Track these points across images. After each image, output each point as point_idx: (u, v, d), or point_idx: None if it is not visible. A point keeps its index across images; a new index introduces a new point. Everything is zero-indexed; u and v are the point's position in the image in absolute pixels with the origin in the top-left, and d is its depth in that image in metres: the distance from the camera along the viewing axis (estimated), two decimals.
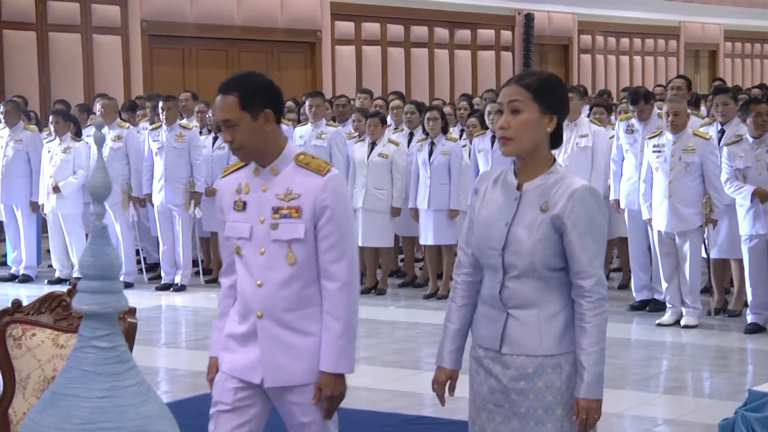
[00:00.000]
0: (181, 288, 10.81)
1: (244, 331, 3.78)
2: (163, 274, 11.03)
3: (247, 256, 3.78)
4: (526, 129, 3.39)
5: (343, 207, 3.73)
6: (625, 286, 10.12)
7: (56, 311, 3.85)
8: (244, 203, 3.79)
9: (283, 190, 3.72)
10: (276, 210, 3.72)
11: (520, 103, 3.39)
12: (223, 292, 3.95)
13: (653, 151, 8.70)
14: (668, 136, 8.61)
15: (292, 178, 3.73)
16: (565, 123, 10.10)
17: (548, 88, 3.43)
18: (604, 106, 10.96)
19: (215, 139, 11.09)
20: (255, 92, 3.71)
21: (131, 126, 11.45)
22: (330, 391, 3.70)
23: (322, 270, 3.71)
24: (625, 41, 25.28)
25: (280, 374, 3.72)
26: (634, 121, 9.39)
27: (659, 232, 8.74)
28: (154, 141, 10.86)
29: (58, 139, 11.00)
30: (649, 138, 8.83)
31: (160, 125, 10.84)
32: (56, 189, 10.74)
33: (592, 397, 3.37)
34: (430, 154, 10.12)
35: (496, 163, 9.58)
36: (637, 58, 25.69)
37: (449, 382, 3.65)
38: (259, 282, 3.73)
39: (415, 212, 10.25)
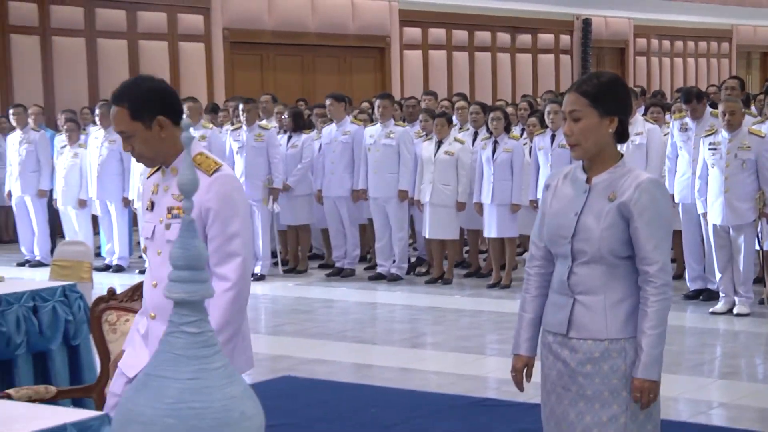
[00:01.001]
0: (260, 278, 10.87)
1: (143, 332, 3.60)
2: None
3: (149, 256, 3.64)
4: (587, 134, 3.39)
5: (230, 207, 3.47)
6: (679, 276, 9.98)
7: None
8: (152, 203, 3.62)
9: (178, 190, 3.59)
10: (169, 210, 3.53)
11: (579, 112, 3.39)
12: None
13: (709, 149, 8.60)
14: (724, 134, 8.50)
15: None
16: None
17: (606, 92, 3.41)
18: (659, 106, 10.86)
19: (289, 138, 11.15)
20: (143, 101, 3.48)
21: (214, 127, 11.55)
22: None
23: (212, 273, 3.42)
24: (679, 44, 24.99)
25: None
26: (687, 119, 9.28)
27: (714, 225, 8.65)
28: (235, 141, 10.95)
29: None
30: (705, 136, 8.72)
31: (241, 126, 10.91)
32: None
33: (648, 377, 3.33)
34: (494, 151, 10.08)
35: (555, 160, 9.55)
36: (691, 60, 25.39)
37: (526, 369, 3.62)
38: (153, 282, 3.56)
39: (480, 206, 10.22)
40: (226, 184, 3.50)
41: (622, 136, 3.45)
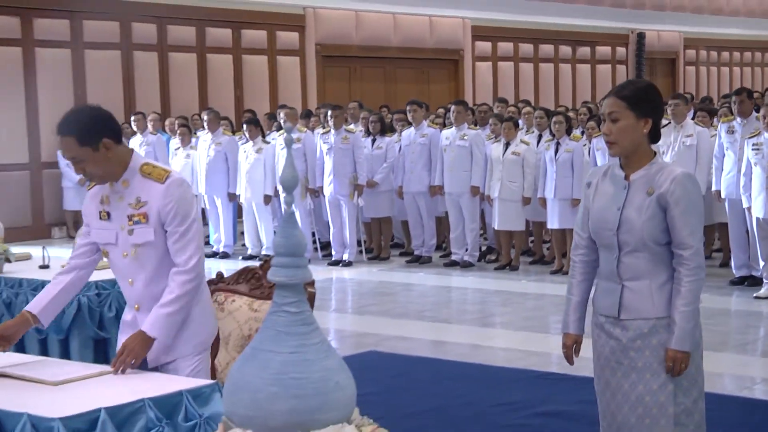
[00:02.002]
0: (348, 264, 10.91)
1: (129, 319, 3.68)
2: (333, 252, 11.16)
3: (114, 259, 3.66)
4: (623, 134, 3.39)
5: (185, 204, 3.54)
6: (725, 264, 9.82)
7: (251, 282, 3.91)
8: (108, 213, 3.63)
9: (134, 199, 3.57)
10: (130, 218, 3.57)
11: (617, 113, 3.40)
12: (70, 261, 3.82)
13: (752, 149, 8.49)
14: (766, 136, 8.34)
15: (140, 187, 3.56)
16: (672, 125, 9.94)
17: (642, 97, 3.42)
18: (706, 111, 10.70)
19: (374, 141, 11.17)
20: (88, 129, 3.48)
21: (308, 130, 11.61)
22: (131, 347, 3.46)
23: (173, 261, 3.55)
24: (725, 54, 24.49)
25: (162, 355, 3.58)
26: (734, 123, 9.15)
27: (758, 218, 8.52)
28: (324, 143, 10.99)
29: (251, 141, 11.23)
30: (749, 138, 8.61)
31: (330, 130, 10.96)
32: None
33: (680, 348, 3.34)
34: (556, 151, 10.00)
35: (611, 159, 9.42)
36: (736, 69, 24.86)
37: (575, 345, 3.63)
38: (129, 281, 3.64)
39: (543, 201, 10.14)
40: (180, 186, 3.56)
41: (654, 136, 3.45)
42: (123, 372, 3.40)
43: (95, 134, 3.49)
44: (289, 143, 2.38)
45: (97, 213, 3.67)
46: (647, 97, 3.43)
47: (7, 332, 3.62)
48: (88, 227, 3.73)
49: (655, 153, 3.46)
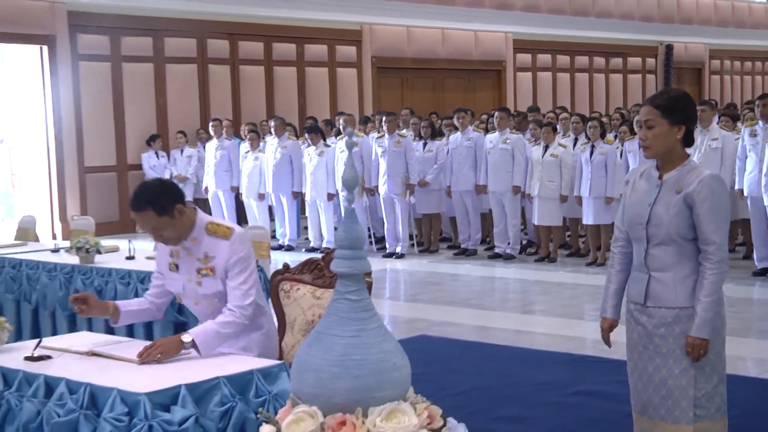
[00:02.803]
0: (400, 256, 10.90)
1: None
2: (387, 246, 11.17)
3: (187, 304, 3.80)
4: (657, 140, 3.36)
5: (247, 257, 3.62)
6: (748, 257, 9.64)
7: (314, 272, 3.91)
8: (177, 265, 3.72)
9: (202, 255, 3.64)
10: (198, 271, 3.64)
11: (652, 121, 3.36)
12: (149, 294, 3.90)
13: None
14: None
15: (207, 244, 3.63)
16: (699, 129, 9.76)
17: (675, 106, 3.37)
18: (730, 116, 10.53)
19: (425, 144, 11.14)
20: (162, 200, 3.56)
21: (364, 135, 11.63)
22: (163, 344, 3.44)
23: (229, 300, 3.59)
24: (748, 64, 24.06)
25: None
26: (756, 126, 8.98)
27: None
28: (379, 146, 11.00)
29: (312, 146, 11.27)
30: None
31: (384, 134, 10.96)
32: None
33: (699, 336, 3.30)
34: (591, 154, 9.90)
35: (642, 160, 9.29)
36: (758, 78, 24.42)
37: (611, 329, 3.61)
38: (206, 322, 3.64)
39: (579, 199, 10.04)
40: (243, 242, 3.63)
41: (688, 140, 3.40)
42: (146, 363, 3.35)
43: (169, 203, 3.56)
44: (350, 147, 2.38)
45: (167, 264, 3.77)
46: (680, 106, 3.38)
47: (91, 303, 3.71)
48: (158, 269, 3.84)
49: (688, 156, 3.42)
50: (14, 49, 12.98)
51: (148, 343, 3.50)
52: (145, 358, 3.35)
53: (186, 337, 3.45)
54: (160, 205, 3.54)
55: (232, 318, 3.55)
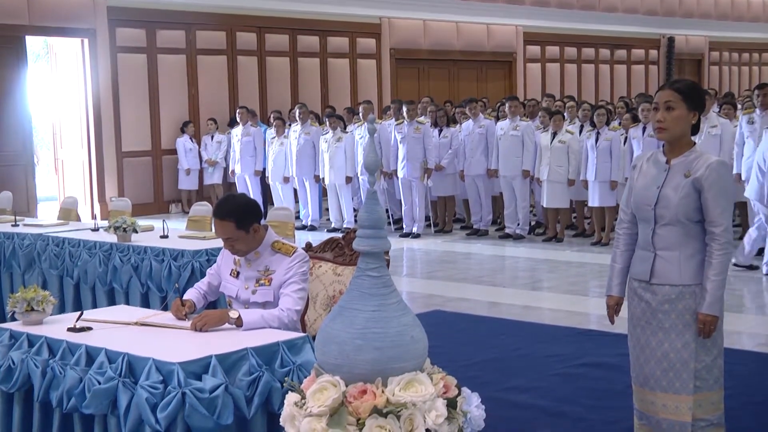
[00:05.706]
0: (417, 236, 10.89)
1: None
2: (404, 226, 11.15)
3: (236, 308, 3.73)
4: (676, 122, 3.32)
5: (303, 275, 3.63)
6: (740, 237, 9.56)
7: (335, 250, 3.93)
8: (238, 273, 3.74)
9: (263, 267, 3.67)
10: (257, 280, 3.67)
11: (673, 103, 3.32)
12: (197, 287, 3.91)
13: None
14: None
15: (269, 259, 3.67)
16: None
17: (694, 92, 3.35)
18: (730, 104, 10.43)
19: (440, 131, 11.09)
20: (245, 216, 3.61)
21: (383, 122, 11.57)
22: (209, 314, 3.50)
23: (280, 305, 3.58)
24: (746, 56, 23.80)
25: None
26: (754, 114, 8.88)
27: None
28: (398, 133, 10.95)
29: (331, 132, 11.24)
30: (767, 128, 8.36)
31: (403, 121, 10.91)
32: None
33: (710, 312, 3.27)
34: (597, 140, 9.83)
35: (645, 146, 9.30)
36: (756, 68, 24.16)
37: (616, 306, 3.58)
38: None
39: (585, 183, 9.98)
40: (303, 262, 3.65)
41: (695, 128, 3.38)
42: (198, 330, 3.43)
43: (249, 221, 3.62)
44: (372, 132, 2.36)
45: (229, 269, 3.79)
46: (697, 93, 3.38)
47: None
48: (218, 270, 3.86)
49: (694, 143, 3.40)
50: (59, 42, 13.05)
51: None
52: (198, 327, 3.42)
53: (233, 313, 3.49)
54: (242, 220, 3.60)
55: (279, 314, 3.56)
